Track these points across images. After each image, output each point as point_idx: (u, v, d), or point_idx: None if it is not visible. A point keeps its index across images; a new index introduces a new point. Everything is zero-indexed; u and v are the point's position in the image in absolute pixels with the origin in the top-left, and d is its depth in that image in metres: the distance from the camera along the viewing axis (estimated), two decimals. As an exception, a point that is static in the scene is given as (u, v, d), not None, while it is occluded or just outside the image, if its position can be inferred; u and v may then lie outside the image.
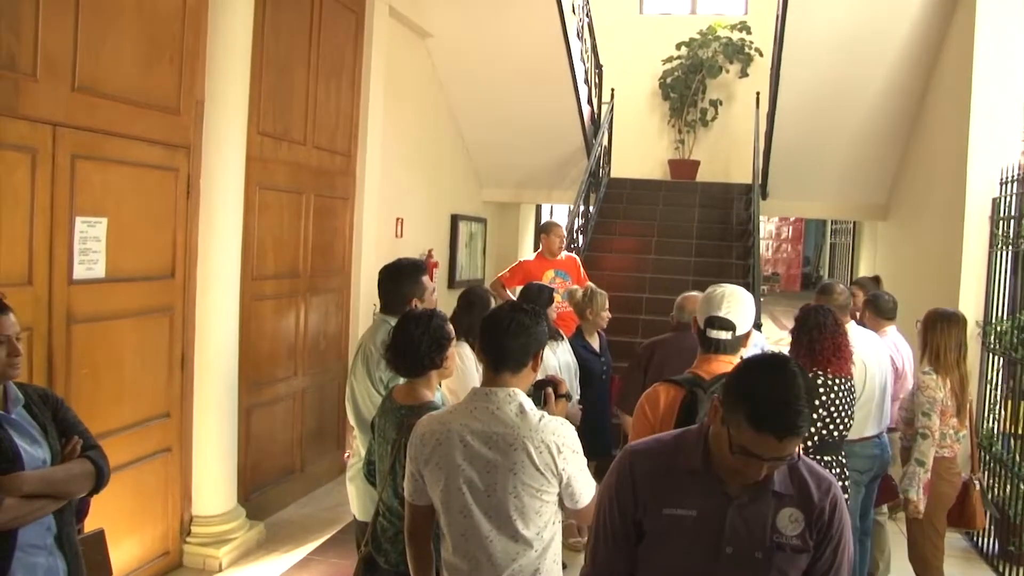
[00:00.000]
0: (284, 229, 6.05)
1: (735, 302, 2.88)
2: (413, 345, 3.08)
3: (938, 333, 4.31)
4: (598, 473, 2.70)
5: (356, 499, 3.83)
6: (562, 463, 2.51)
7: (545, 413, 2.60)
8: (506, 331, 2.60)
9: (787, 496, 2.00)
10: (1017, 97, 6.49)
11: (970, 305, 6.19)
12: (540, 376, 2.95)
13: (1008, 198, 5.97)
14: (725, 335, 2.85)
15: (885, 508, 5.09)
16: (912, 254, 8.22)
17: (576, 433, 2.62)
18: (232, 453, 5.28)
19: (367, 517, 3.65)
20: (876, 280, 7.45)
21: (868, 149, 8.81)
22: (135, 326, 4.59)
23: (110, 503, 4.04)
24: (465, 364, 4.15)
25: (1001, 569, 5.44)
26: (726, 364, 2.82)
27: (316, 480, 6.64)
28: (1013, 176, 5.90)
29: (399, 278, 3.90)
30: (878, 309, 5.25)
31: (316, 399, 6.61)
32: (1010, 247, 5.90)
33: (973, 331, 5.68)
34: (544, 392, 3.02)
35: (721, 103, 11.73)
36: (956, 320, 4.36)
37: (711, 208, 10.02)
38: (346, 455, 4.16)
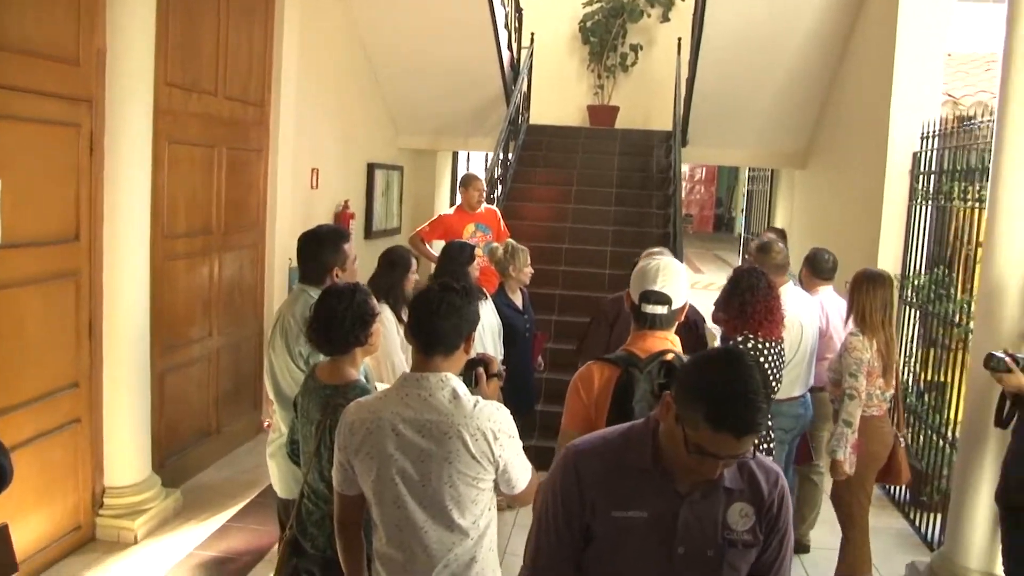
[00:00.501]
0: (196, 184, 5.77)
1: (670, 275, 2.81)
2: (336, 322, 2.96)
3: (864, 294, 4.34)
4: (522, 429, 2.63)
5: (278, 476, 3.70)
6: (499, 450, 2.44)
7: (479, 398, 2.51)
8: (436, 313, 2.49)
9: (737, 491, 1.96)
10: (940, 50, 6.55)
11: (889, 258, 6.30)
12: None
13: (928, 153, 6.04)
14: (661, 310, 2.77)
15: (822, 467, 5.16)
16: (831, 204, 8.32)
17: (511, 416, 2.55)
18: (145, 420, 5.07)
19: (289, 495, 3.57)
20: (782, 233, 7.56)
21: (789, 97, 8.81)
22: (37, 294, 4.32)
23: (15, 480, 3.80)
24: (386, 327, 4.06)
25: (912, 516, 5.65)
26: (662, 340, 2.78)
27: (233, 441, 6.48)
28: (933, 131, 5.96)
29: (319, 246, 3.72)
30: (815, 269, 5.23)
31: (232, 358, 6.42)
32: (930, 202, 6.00)
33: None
34: (475, 372, 2.88)
35: (641, 48, 11.64)
36: (882, 281, 4.39)
37: (631, 156, 9.98)
38: (266, 423, 4.04)
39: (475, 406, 2.45)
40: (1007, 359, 3.87)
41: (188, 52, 5.56)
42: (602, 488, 1.97)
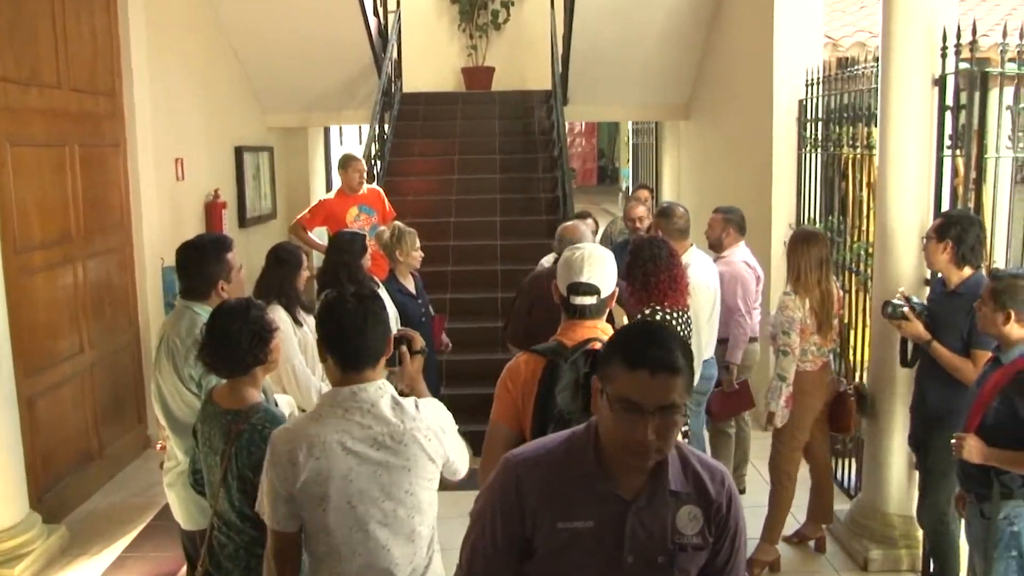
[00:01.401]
0: (47, 189, 5.26)
1: (596, 264, 2.74)
2: (232, 342, 2.73)
3: (798, 255, 4.39)
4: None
5: (179, 506, 3.40)
6: (448, 443, 2.47)
7: (416, 399, 2.49)
8: (364, 327, 2.39)
9: (683, 494, 1.91)
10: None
11: (782, 208, 6.33)
12: None
13: (814, 100, 6.03)
14: (590, 300, 2.71)
15: (734, 422, 5.32)
16: (720, 155, 8.30)
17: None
18: (16, 455, 4.61)
19: (194, 526, 3.32)
20: (650, 189, 7.64)
21: (668, 49, 8.68)
22: None
23: None
24: (282, 330, 3.74)
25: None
26: (591, 329, 2.72)
27: (119, 461, 6.02)
28: (817, 78, 5.94)
29: (199, 258, 3.42)
30: (740, 227, 5.27)
31: (108, 372, 5.94)
32: (818, 149, 5.99)
33: (785, 232, 5.78)
34: (399, 351, 2.77)
35: (513, 4, 11.38)
36: (815, 240, 4.43)
37: (512, 119, 9.78)
38: (158, 446, 3.73)
39: (417, 407, 2.43)
40: (904, 307, 3.92)
41: (21, 42, 5.01)
42: (544, 498, 1.90)
